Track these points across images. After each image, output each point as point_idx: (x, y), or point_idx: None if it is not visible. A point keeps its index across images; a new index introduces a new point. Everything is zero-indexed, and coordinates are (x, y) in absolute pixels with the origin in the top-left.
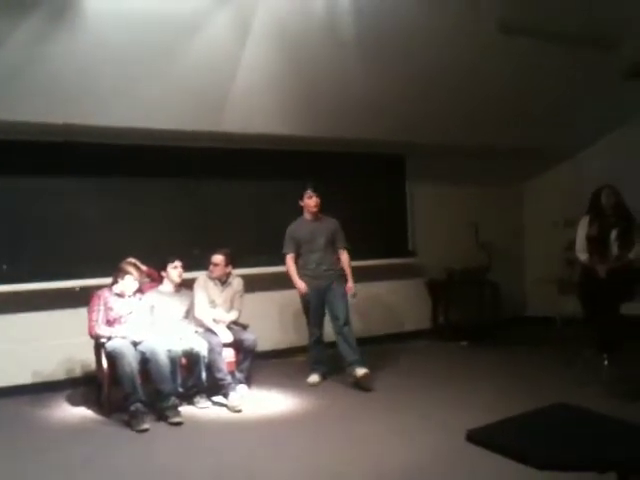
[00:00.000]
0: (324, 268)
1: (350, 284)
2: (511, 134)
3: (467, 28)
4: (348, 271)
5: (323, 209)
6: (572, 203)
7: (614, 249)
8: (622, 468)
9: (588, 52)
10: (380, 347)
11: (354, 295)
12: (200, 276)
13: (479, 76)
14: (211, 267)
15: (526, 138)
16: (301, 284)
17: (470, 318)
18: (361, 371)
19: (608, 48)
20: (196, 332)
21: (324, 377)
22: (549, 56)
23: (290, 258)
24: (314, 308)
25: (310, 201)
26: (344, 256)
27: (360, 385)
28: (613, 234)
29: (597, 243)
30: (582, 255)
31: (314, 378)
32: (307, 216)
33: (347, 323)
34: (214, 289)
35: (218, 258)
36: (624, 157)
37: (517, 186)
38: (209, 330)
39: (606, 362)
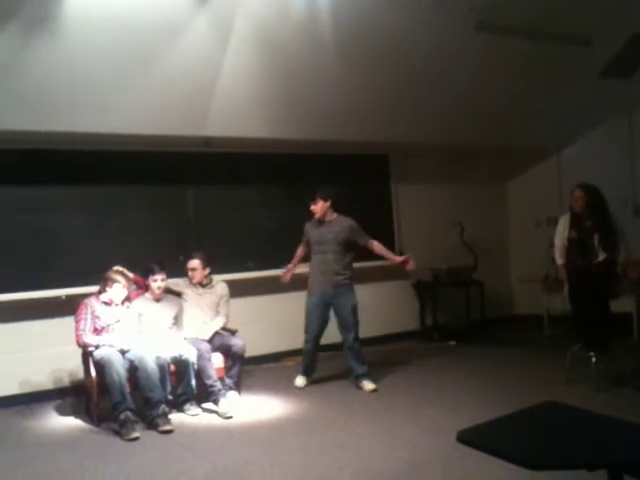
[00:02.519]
0: (332, 272)
1: (399, 259)
2: (493, 133)
3: (445, 28)
4: (388, 254)
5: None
6: (555, 201)
7: (600, 254)
8: (613, 466)
9: (566, 50)
10: (369, 349)
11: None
12: (180, 282)
13: (458, 75)
14: (190, 273)
15: (508, 137)
16: (285, 275)
17: (457, 318)
18: (370, 386)
19: (584, 45)
20: (184, 339)
21: (310, 382)
22: (528, 54)
23: (299, 249)
24: (312, 312)
25: (312, 209)
26: (375, 244)
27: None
28: (596, 238)
29: (579, 245)
30: (558, 259)
31: (300, 381)
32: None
33: (357, 338)
34: (194, 295)
35: (194, 262)
36: (607, 154)
37: (501, 184)
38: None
39: (594, 359)
